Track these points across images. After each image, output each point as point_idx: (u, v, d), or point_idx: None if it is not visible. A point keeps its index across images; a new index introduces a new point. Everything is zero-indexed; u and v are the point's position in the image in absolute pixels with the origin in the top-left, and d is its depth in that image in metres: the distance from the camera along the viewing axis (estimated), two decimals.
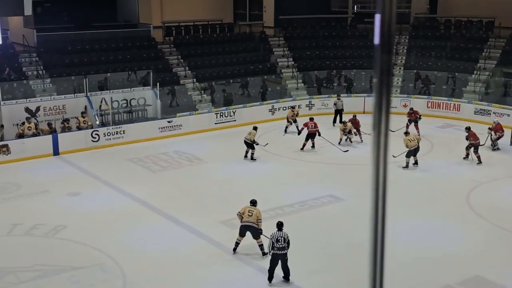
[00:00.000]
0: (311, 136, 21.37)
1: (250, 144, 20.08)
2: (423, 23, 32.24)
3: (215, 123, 24.73)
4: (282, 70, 29.02)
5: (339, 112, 25.22)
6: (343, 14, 35.33)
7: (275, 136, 23.61)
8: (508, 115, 24.14)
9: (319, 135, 21.38)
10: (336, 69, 29.05)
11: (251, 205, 12.92)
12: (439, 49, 29.53)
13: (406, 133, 19.75)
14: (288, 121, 23.83)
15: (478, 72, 27.40)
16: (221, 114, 25.00)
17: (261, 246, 12.65)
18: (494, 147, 20.88)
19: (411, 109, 23.49)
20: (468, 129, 19.95)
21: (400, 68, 29.21)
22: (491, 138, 20.85)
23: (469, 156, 19.74)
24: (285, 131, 23.58)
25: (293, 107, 24.51)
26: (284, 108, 26.22)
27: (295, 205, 16.03)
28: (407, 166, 18.92)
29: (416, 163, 19.16)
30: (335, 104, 25.39)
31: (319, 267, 12.57)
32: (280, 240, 11.48)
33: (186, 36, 29.71)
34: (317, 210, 15.78)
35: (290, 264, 11.78)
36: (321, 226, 14.77)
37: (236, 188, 17.47)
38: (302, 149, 21.24)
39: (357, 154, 20.94)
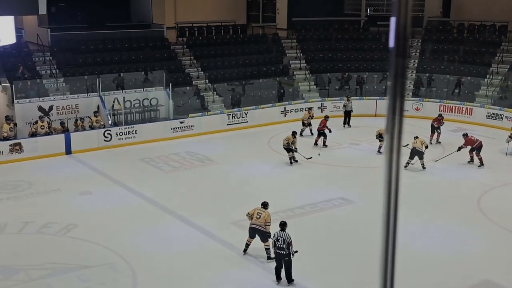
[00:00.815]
0: (320, 134, 21.80)
1: (288, 149, 19.84)
2: (436, 27, 32.12)
3: (227, 124, 24.79)
4: (295, 72, 29.04)
5: (348, 113, 25.23)
6: (356, 17, 35.27)
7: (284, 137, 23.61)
8: None
9: (329, 132, 21.82)
10: (348, 72, 29.01)
11: (261, 207, 12.93)
12: (452, 52, 29.41)
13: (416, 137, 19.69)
14: (303, 124, 23.76)
15: (491, 76, 27.25)
16: (233, 115, 25.06)
17: (267, 249, 12.64)
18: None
19: (440, 115, 23.29)
20: (465, 135, 19.95)
21: (412, 72, 29.11)
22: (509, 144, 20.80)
23: (474, 159, 19.68)
24: (301, 134, 23.37)
25: (309, 109, 24.52)
26: (296, 110, 26.25)
27: (305, 207, 16.05)
28: (406, 165, 19.01)
29: (423, 166, 19.13)
30: (344, 105, 25.41)
31: (328, 268, 12.57)
32: (279, 240, 11.53)
33: (199, 37, 29.82)
34: (327, 213, 15.78)
35: (299, 264, 11.80)
36: (331, 228, 14.77)
37: (247, 189, 17.52)
38: (315, 144, 21.85)
39: (369, 156, 20.91)
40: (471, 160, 19.80)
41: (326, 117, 22.41)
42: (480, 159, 19.48)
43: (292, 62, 29.61)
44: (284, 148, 19.69)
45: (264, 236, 12.60)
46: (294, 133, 19.88)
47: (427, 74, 28.48)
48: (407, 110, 26.90)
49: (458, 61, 28.89)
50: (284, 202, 16.22)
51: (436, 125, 22.48)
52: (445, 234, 14.28)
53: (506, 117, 24.74)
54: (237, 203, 16.22)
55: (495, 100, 26.43)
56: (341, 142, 22.75)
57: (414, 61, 29.69)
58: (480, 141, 19.58)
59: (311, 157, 20.00)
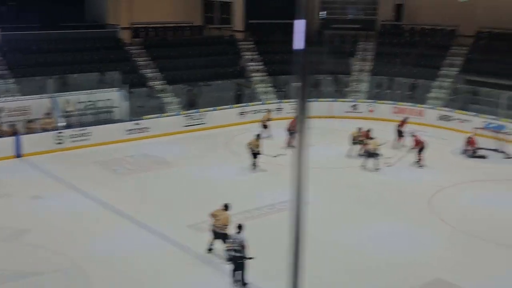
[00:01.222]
0: (292, 133, 22.06)
1: (254, 153, 19.84)
2: (389, 30, 32.79)
3: (184, 126, 24.67)
4: (252, 74, 29.14)
5: None
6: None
7: (244, 139, 23.64)
8: (469, 121, 24.72)
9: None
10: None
11: (222, 209, 12.93)
12: (404, 55, 30.07)
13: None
14: (263, 126, 23.75)
15: (441, 79, 27.99)
16: (191, 116, 24.95)
17: (226, 251, 12.65)
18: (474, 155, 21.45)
19: (406, 118, 23.69)
20: (413, 135, 20.60)
21: (366, 74, 29.63)
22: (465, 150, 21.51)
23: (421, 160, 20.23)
24: (262, 135, 23.50)
25: (269, 110, 24.57)
26: (254, 112, 26.35)
27: (263, 208, 16.12)
28: (363, 166, 19.56)
29: (377, 168, 19.51)
30: None
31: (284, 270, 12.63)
32: (235, 242, 11.58)
33: (155, 38, 29.57)
34: (285, 214, 15.82)
35: (256, 266, 11.84)
36: (289, 230, 14.84)
37: (205, 191, 17.47)
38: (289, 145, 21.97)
39: (325, 157, 21.16)
40: (418, 161, 20.29)
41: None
42: (420, 160, 20.00)
43: (250, 64, 29.69)
44: (251, 153, 19.48)
45: (223, 238, 12.62)
46: (258, 136, 19.86)
47: (381, 77, 29.04)
48: (362, 112, 27.42)
49: (411, 64, 29.56)
50: (242, 203, 16.20)
51: (401, 129, 22.85)
52: (397, 235, 14.57)
53: (456, 119, 25.47)
54: (195, 205, 16.17)
55: (445, 102, 27.15)
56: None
57: (368, 63, 30.23)
58: (423, 142, 20.12)
59: (278, 155, 20.04)
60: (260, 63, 29.76)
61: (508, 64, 27.22)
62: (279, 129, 24.15)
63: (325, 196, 16.93)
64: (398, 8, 34.22)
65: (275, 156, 19.81)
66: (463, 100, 27.16)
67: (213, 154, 21.49)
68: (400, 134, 22.53)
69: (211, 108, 25.68)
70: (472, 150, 21.41)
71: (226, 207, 12.97)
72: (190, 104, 25.79)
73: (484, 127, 23.64)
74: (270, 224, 15.17)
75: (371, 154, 19.52)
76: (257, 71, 29.28)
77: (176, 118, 24.65)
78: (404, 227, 15.06)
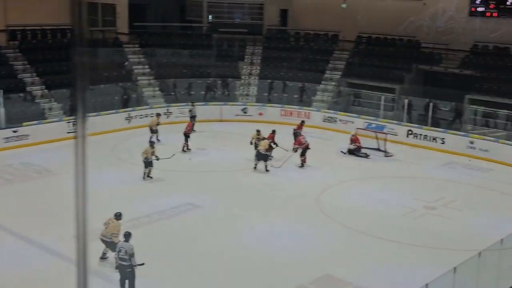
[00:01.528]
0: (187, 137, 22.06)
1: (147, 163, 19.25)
2: (275, 35, 33.54)
3: (68, 132, 23.56)
4: (138, 78, 28.51)
5: (193, 118, 25.33)
6: (199, 23, 35.60)
7: (131, 144, 23.07)
8: (352, 122, 25.87)
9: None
10: (193, 77, 29.18)
11: (114, 218, 12.46)
12: (290, 60, 30.88)
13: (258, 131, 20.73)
14: (152, 131, 23.05)
15: (325, 82, 29.07)
16: (74, 122, 23.83)
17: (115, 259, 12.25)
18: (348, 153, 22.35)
19: (302, 121, 24.06)
20: (297, 135, 21.28)
21: (255, 78, 30.07)
22: (348, 148, 22.35)
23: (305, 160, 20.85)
24: (151, 141, 22.97)
25: (158, 115, 23.93)
26: (141, 116, 25.76)
27: (153, 215, 15.75)
28: (255, 167, 19.88)
29: (267, 169, 19.86)
30: (190, 111, 25.44)
31: (176, 275, 12.42)
32: (121, 251, 11.26)
33: (33, 41, 28.04)
34: (176, 219, 15.63)
35: (146, 273, 11.52)
36: (179, 234, 14.65)
37: (91, 200, 16.67)
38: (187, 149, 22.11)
39: (215, 160, 21.15)
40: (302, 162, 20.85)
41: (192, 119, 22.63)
42: (303, 160, 20.63)
43: (135, 67, 29.03)
44: (144, 161, 18.65)
45: (111, 246, 12.17)
46: (151, 143, 19.25)
47: (269, 80, 29.61)
48: (252, 115, 27.78)
49: (296, 68, 30.40)
50: (130, 211, 15.75)
51: (298, 132, 23.25)
52: (286, 234, 14.84)
53: (340, 120, 26.55)
54: None
55: (329, 104, 28.22)
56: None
57: (256, 67, 30.71)
58: (307, 144, 20.75)
59: (173, 154, 19.76)
60: (147, 66, 29.20)
61: (386, 68, 28.85)
62: (168, 134, 23.85)
63: (214, 199, 16.90)
64: (283, 13, 35.11)
65: (169, 158, 19.36)
66: (345, 103, 28.37)
67: (98, 161, 20.64)
68: (297, 136, 22.90)
69: (95, 113, 24.74)
70: (355, 148, 22.36)
71: (117, 216, 12.50)
72: (73, 109, 24.62)
73: (366, 128, 24.82)
74: (160, 230, 14.86)
75: (262, 156, 19.78)
76: (144, 74, 28.69)
77: (59, 124, 23.47)
78: (293, 226, 15.37)
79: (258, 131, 21.38)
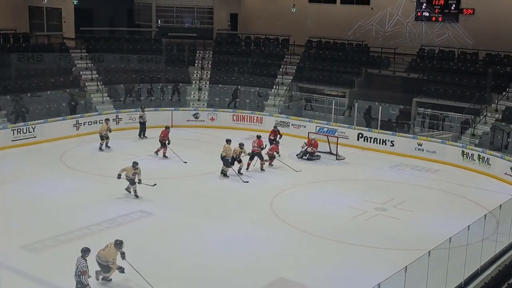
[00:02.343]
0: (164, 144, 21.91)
1: (226, 161, 19.52)
2: (226, 39, 33.48)
3: (12, 140, 22.81)
4: (86, 83, 27.89)
5: (143, 124, 24.96)
6: (147, 28, 35.23)
7: (80, 152, 22.54)
8: (304, 127, 26.06)
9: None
10: (142, 83, 28.78)
11: (113, 244, 11.85)
12: (241, 64, 30.87)
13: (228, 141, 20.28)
14: (102, 138, 22.51)
15: (277, 87, 29.19)
16: (19, 130, 23.12)
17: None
18: (305, 157, 22.49)
19: (275, 127, 23.88)
20: (259, 137, 21.30)
21: (206, 83, 29.92)
22: (306, 150, 22.48)
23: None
24: (101, 148, 22.49)
25: (106, 120, 23.37)
26: (90, 123, 25.21)
27: (103, 223, 15.39)
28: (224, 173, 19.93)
29: (240, 172, 19.99)
30: (140, 117, 25.06)
31: (126, 285, 12.14)
32: (76, 267, 10.92)
33: None
34: (127, 227, 15.32)
35: (95, 283, 11.22)
36: (131, 243, 14.32)
37: (40, 209, 16.28)
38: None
39: (166, 166, 20.89)
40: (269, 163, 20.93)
41: (167, 128, 22.38)
42: (262, 164, 20.71)
43: (83, 73, 28.39)
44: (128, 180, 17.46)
45: (105, 270, 11.90)
46: (135, 164, 17.25)
47: (220, 85, 29.50)
48: (203, 120, 27.62)
49: (248, 72, 30.42)
50: (80, 219, 15.42)
51: (272, 138, 23.09)
52: (241, 239, 14.76)
53: (292, 125, 26.70)
54: (27, 225, 15.01)
55: (281, 109, 28.35)
56: (138, 154, 22.38)
57: (207, 72, 30.56)
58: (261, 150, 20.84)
59: (155, 184, 17.83)
60: (94, 71, 28.61)
61: (336, 72, 29.24)
62: (118, 140, 23.42)
63: (166, 206, 16.67)
64: (233, 17, 35.13)
65: (152, 186, 17.63)
66: (297, 107, 28.55)
67: (46, 170, 20.11)
68: (271, 143, 22.77)
69: (42, 120, 24.04)
70: (311, 152, 22.48)
71: (117, 244, 11.85)
72: (18, 116, 23.87)
73: (317, 132, 25.05)
74: (111, 238, 14.51)
75: (224, 160, 19.59)
76: (92, 80, 28.09)
77: (3, 132, 22.66)
78: (247, 231, 15.31)
79: (241, 145, 20.39)
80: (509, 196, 15.51)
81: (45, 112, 24.96)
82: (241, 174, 19.96)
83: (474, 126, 23.93)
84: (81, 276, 10.59)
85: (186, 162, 21.33)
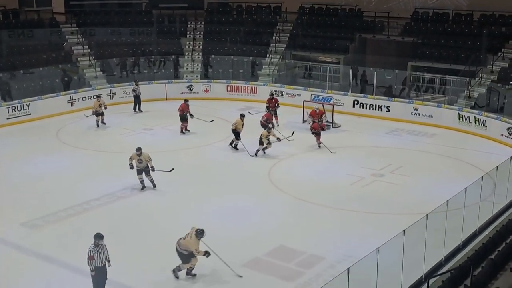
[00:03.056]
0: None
1: (237, 133, 19.41)
2: (217, 9, 33.10)
3: (7, 118, 22.73)
4: (78, 59, 27.66)
5: (137, 98, 24.84)
6: (137, 0, 34.77)
7: (75, 128, 22.48)
8: (299, 95, 25.97)
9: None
10: (135, 56, 28.57)
11: (194, 233, 11.23)
12: (233, 33, 30.58)
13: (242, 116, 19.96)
14: (96, 114, 22.29)
15: (270, 56, 29.00)
16: (13, 107, 23.03)
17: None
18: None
19: (272, 95, 23.67)
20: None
21: (198, 54, 29.69)
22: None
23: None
24: (98, 125, 22.38)
25: (98, 96, 23.17)
26: (84, 99, 25.10)
27: (102, 198, 15.44)
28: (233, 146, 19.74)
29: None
30: (134, 90, 24.92)
31: (136, 258, 12.24)
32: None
33: None
34: (126, 201, 15.38)
35: None
36: (132, 216, 14.44)
37: (39, 186, 16.32)
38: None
39: (163, 140, 20.88)
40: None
41: (186, 101, 21.98)
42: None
43: (75, 48, 28.12)
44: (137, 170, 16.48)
45: (184, 259, 11.28)
46: (137, 150, 15.95)
47: (213, 56, 29.29)
48: (197, 92, 27.51)
49: (240, 41, 30.17)
50: (80, 194, 15.46)
51: (267, 105, 22.87)
52: (240, 209, 14.85)
53: (287, 94, 26.60)
54: (26, 202, 15.07)
55: (276, 78, 28.21)
56: (134, 128, 22.36)
57: (199, 43, 30.30)
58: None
59: (172, 169, 16.65)
60: (86, 46, 28.33)
61: (330, 38, 29.01)
62: (113, 115, 23.33)
63: (164, 179, 16.69)
64: None
65: (169, 171, 16.51)
66: (291, 75, 28.43)
67: (42, 146, 20.09)
68: (268, 110, 22.62)
69: (36, 98, 23.91)
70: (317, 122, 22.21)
71: (198, 233, 11.22)
72: (3, 96, 23.70)
73: (313, 100, 24.98)
74: (112, 212, 14.61)
75: (239, 134, 19.51)
76: (84, 55, 27.84)
77: None
78: (245, 201, 15.38)
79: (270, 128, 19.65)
80: (506, 157, 15.56)
81: (39, 89, 24.83)
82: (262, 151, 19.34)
83: (470, 88, 23.90)
84: (88, 260, 10.39)
85: (212, 121, 21.68)
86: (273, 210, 14.90)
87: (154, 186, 16.16)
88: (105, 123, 22.52)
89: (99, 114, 22.33)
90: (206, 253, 11.29)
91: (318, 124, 20.32)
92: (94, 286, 10.48)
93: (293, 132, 20.46)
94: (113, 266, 10.60)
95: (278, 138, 19.32)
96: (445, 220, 11.65)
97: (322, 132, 20.32)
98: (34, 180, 16.82)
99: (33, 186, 16.39)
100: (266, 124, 20.26)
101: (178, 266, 11.44)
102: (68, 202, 14.99)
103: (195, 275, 11.46)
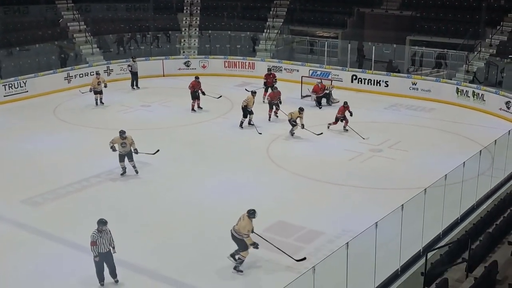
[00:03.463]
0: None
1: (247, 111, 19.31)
2: None
3: (4, 96, 22.65)
4: (75, 35, 27.43)
5: (135, 75, 24.72)
6: None
7: (73, 105, 22.40)
8: (297, 71, 25.85)
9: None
10: (131, 32, 28.35)
11: (246, 214, 10.94)
12: (230, 9, 30.30)
13: (254, 92, 19.85)
14: (95, 92, 21.93)
15: (268, 31, 28.78)
16: (10, 85, 22.92)
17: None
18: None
19: (269, 70, 23.48)
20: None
21: (195, 29, 29.45)
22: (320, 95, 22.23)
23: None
24: (96, 103, 22.18)
25: (97, 73, 22.95)
26: (81, 75, 24.97)
27: (101, 175, 15.46)
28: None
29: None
30: (129, 66, 24.76)
31: (128, 235, 12.31)
32: None
33: None
34: (125, 178, 15.39)
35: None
36: (131, 193, 14.47)
37: (37, 163, 16.33)
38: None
39: (160, 116, 20.84)
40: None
41: (197, 78, 21.59)
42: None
43: (70, 25, 27.87)
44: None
45: (241, 245, 10.92)
46: (121, 134, 15.17)
47: (209, 31, 29.06)
48: (195, 68, 27.35)
49: (237, 17, 29.91)
50: (79, 171, 15.48)
51: (264, 80, 22.73)
52: (239, 186, 14.88)
53: (285, 69, 26.48)
54: (26, 179, 15.10)
55: (273, 53, 28.04)
56: (132, 105, 22.29)
57: (196, 18, 30.04)
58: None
59: (158, 150, 16.28)
60: (82, 22, 28.07)
61: (328, 13, 28.77)
62: (111, 92, 23.21)
63: (163, 156, 16.69)
64: None
65: (153, 153, 16.11)
66: (289, 50, 28.25)
67: (40, 124, 20.06)
68: (266, 89, 22.54)
69: (33, 75, 23.78)
70: (317, 97, 22.22)
71: (250, 214, 10.95)
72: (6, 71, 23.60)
73: (311, 75, 24.88)
74: (111, 189, 14.65)
75: (248, 111, 19.45)
76: (80, 31, 27.61)
77: None
78: (244, 178, 15.42)
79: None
80: (504, 131, 15.57)
81: (35, 66, 24.68)
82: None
83: (469, 62, 23.79)
84: (91, 246, 10.10)
85: (220, 97, 21.59)
86: (272, 186, 14.94)
87: (137, 172, 15.25)
88: (103, 103, 22.20)
89: (97, 92, 22.02)
90: (255, 244, 10.86)
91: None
92: (97, 271, 10.35)
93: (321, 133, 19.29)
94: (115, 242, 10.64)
95: (302, 125, 18.54)
96: (443, 194, 11.70)
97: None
98: (33, 158, 16.81)
99: (31, 163, 16.39)
100: (274, 103, 20.24)
101: (236, 252, 11.06)
102: (67, 180, 15.02)
103: (241, 271, 10.91)
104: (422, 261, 9.51)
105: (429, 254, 9.36)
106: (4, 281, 10.58)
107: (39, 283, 10.51)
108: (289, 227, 12.66)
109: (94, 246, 10.08)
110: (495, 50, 23.84)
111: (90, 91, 22.04)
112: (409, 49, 25.91)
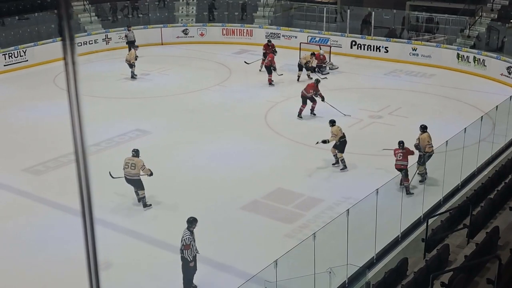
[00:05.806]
0: None
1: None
2: None
3: (4, 65, 22.54)
4: (73, 4, 27.06)
5: (131, 43, 24.48)
6: None
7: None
8: (296, 37, 25.63)
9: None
10: (130, 0, 28.01)
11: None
12: None
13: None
14: (130, 65, 21.23)
15: None
16: (10, 54, 22.77)
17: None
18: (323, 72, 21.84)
19: (269, 41, 23.20)
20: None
21: None
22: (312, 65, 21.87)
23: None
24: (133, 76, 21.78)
25: (136, 47, 22.00)
26: (80, 44, 24.77)
27: (101, 143, 15.48)
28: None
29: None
30: (126, 36, 24.52)
31: (129, 203, 12.39)
32: (181, 241, 8.97)
33: None
34: (125, 146, 15.40)
35: (101, 204, 11.43)
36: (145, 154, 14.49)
37: (36, 133, 16.35)
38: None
39: (159, 85, 20.76)
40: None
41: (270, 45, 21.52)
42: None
43: None
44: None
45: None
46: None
47: None
48: (193, 36, 27.09)
49: None
50: (89, 138, 15.40)
51: (264, 51, 22.45)
52: (238, 152, 14.92)
53: (283, 36, 26.25)
54: (27, 148, 15.18)
55: (271, 20, 27.76)
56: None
57: None
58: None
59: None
60: None
61: None
62: (110, 61, 23.06)
63: (162, 124, 16.70)
64: None
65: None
66: (287, 17, 27.95)
67: (40, 93, 20.00)
68: (265, 56, 22.31)
69: (32, 44, 23.60)
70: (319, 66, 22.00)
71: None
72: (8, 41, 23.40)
73: (310, 42, 24.68)
74: (111, 157, 14.63)
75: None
76: None
77: None
78: (243, 145, 15.45)
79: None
80: (505, 97, 15.53)
81: (35, 35, 24.45)
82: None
83: (470, 27, 23.58)
84: (184, 251, 8.72)
85: (282, 75, 20.93)
86: (270, 153, 14.95)
87: (145, 206, 12.03)
88: (135, 76, 21.45)
89: (132, 65, 21.34)
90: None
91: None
92: (185, 279, 8.92)
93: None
94: (118, 207, 10.64)
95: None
96: (444, 160, 11.74)
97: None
98: (34, 127, 16.82)
99: (32, 132, 16.40)
100: (273, 67, 20.17)
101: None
102: (68, 148, 14.87)
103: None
104: (423, 227, 9.60)
105: (430, 221, 9.44)
106: (5, 248, 10.69)
107: (40, 250, 10.61)
108: (288, 194, 12.72)
109: (188, 250, 8.68)
110: (496, 15, 23.60)
111: (127, 62, 21.38)
112: (409, 14, 25.63)
